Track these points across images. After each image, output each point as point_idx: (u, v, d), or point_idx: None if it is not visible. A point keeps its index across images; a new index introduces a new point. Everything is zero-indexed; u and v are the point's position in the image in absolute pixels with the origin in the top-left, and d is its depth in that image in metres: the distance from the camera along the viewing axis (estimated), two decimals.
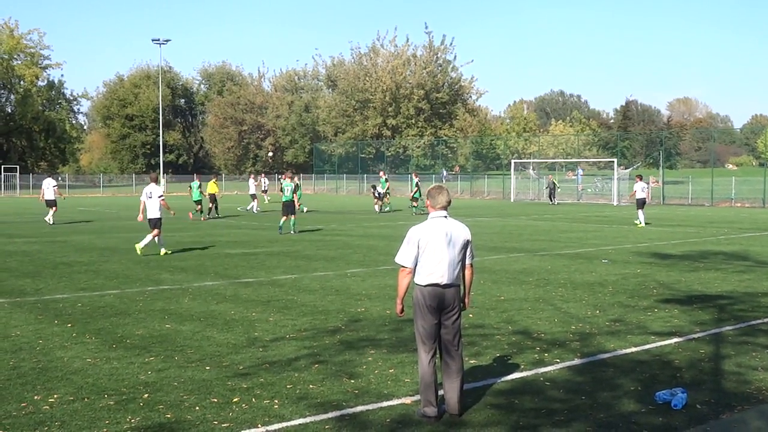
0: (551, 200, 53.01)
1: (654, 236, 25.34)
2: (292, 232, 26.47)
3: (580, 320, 10.99)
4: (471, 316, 11.26)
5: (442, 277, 6.82)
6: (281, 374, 8.08)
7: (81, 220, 34.51)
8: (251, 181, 44.72)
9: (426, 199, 7.14)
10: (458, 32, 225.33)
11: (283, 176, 29.34)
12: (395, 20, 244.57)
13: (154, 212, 19.97)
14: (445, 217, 6.96)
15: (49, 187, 32.27)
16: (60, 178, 34.00)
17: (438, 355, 6.99)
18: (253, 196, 42.80)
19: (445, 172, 70.44)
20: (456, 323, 6.93)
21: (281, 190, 27.54)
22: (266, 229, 28.61)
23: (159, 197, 20.17)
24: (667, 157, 64.76)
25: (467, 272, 7.05)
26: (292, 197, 26.90)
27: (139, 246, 19.54)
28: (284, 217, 26.77)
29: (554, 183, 54.88)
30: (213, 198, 37.28)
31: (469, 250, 7.00)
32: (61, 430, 6.39)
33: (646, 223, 30.64)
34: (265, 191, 51.78)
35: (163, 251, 19.80)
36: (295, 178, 29.96)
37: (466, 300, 7.17)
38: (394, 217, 36.82)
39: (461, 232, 6.94)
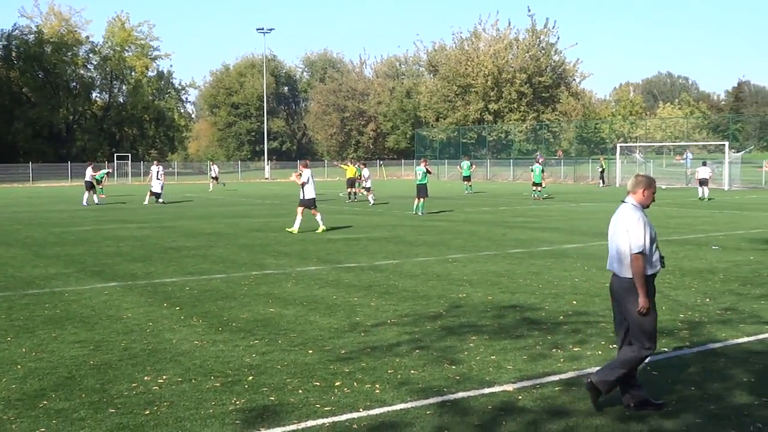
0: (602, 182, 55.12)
1: None
2: (420, 213, 28.09)
3: (689, 308, 10.64)
4: (575, 303, 11.07)
5: (609, 264, 6.71)
6: (382, 359, 8.10)
7: (188, 205, 35.50)
8: (153, 168, 39.57)
9: None
10: (561, 15, 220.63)
11: (422, 162, 30.58)
12: (497, 4, 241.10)
13: (311, 193, 21.90)
14: (623, 201, 6.74)
15: (154, 174, 38.10)
16: (163, 167, 39.66)
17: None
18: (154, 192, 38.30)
19: (539, 156, 69.33)
20: (627, 317, 6.51)
21: (416, 173, 29.17)
22: (368, 214, 28.80)
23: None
24: None
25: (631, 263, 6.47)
26: (425, 181, 28.71)
27: (321, 226, 21.85)
28: (416, 200, 28.60)
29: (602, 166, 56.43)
30: (352, 182, 37.95)
31: (628, 237, 6.45)
32: (170, 410, 6.57)
33: (709, 198, 36.86)
34: (215, 178, 52.92)
35: (321, 228, 21.78)
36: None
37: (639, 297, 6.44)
38: (497, 201, 36.52)
39: (620, 219, 6.59)
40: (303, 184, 21.77)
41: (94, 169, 38.31)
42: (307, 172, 22.02)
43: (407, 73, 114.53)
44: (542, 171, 38.95)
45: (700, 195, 37.82)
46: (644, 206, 6.66)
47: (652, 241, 6.47)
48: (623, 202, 6.72)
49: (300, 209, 21.94)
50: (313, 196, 21.95)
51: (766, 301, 11.09)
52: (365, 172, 37.55)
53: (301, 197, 21.99)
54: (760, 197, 39.65)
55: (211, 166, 56.64)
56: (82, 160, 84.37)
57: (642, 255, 6.36)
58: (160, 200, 37.24)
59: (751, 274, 13.56)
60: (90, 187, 36.93)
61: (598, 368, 6.77)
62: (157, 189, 37.73)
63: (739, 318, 9.98)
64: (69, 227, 24.25)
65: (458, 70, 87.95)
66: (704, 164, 40.66)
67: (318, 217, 21.93)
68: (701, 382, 7.28)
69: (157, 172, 38.21)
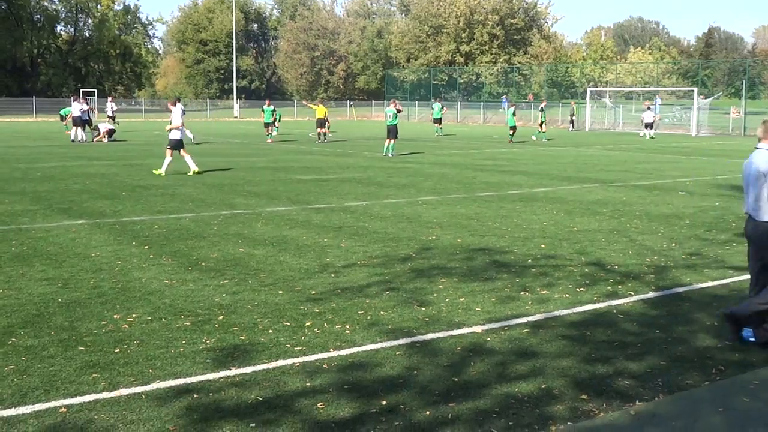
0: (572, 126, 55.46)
1: (734, 168, 24.62)
2: (390, 155, 28.00)
3: (656, 253, 10.79)
4: (543, 246, 11.16)
5: (746, 207, 6.95)
6: (353, 300, 8.15)
7: (155, 143, 35.12)
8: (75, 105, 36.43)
9: None
10: None
11: (391, 103, 30.15)
12: None
13: (177, 134, 21.12)
14: (757, 148, 6.89)
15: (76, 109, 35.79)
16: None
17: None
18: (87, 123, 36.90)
19: (505, 100, 69.03)
20: (765, 258, 6.87)
21: (386, 115, 29.29)
22: (338, 155, 28.70)
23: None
24: (750, 87, 62.48)
25: None
26: (396, 122, 28.59)
27: (192, 168, 20.87)
28: (387, 141, 28.47)
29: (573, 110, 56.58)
30: (322, 122, 37.18)
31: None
32: (140, 348, 6.58)
33: (651, 137, 43.46)
34: (112, 117, 44.01)
35: (192, 170, 20.91)
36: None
37: None
38: (467, 144, 36.52)
39: (757, 165, 6.77)
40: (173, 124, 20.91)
41: (88, 104, 37.43)
42: (176, 111, 21.02)
43: (379, 12, 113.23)
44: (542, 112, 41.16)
45: (647, 136, 43.97)
46: None
47: None
48: (756, 148, 6.90)
49: (169, 151, 20.97)
50: (180, 137, 21.11)
51: (731, 247, 11.26)
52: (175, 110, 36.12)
53: (169, 137, 21.14)
54: (726, 143, 40.03)
55: (109, 103, 44.73)
56: (46, 95, 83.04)
57: None
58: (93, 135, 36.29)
59: (716, 220, 13.75)
60: (78, 122, 35.57)
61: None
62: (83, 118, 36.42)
63: (704, 263, 10.14)
64: (34, 163, 23.92)
65: (430, 10, 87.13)
66: (649, 109, 46.90)
67: (187, 158, 21.06)
68: (666, 325, 7.41)
69: (80, 108, 36.31)
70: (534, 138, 40.89)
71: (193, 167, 20.88)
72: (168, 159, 20.85)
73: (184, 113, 20.97)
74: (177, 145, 20.99)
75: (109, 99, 47.20)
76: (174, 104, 21.40)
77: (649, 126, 45.19)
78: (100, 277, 9.09)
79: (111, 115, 43.97)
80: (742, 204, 7.17)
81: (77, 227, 12.50)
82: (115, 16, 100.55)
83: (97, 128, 37.10)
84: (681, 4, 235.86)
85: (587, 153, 31.66)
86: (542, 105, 42.57)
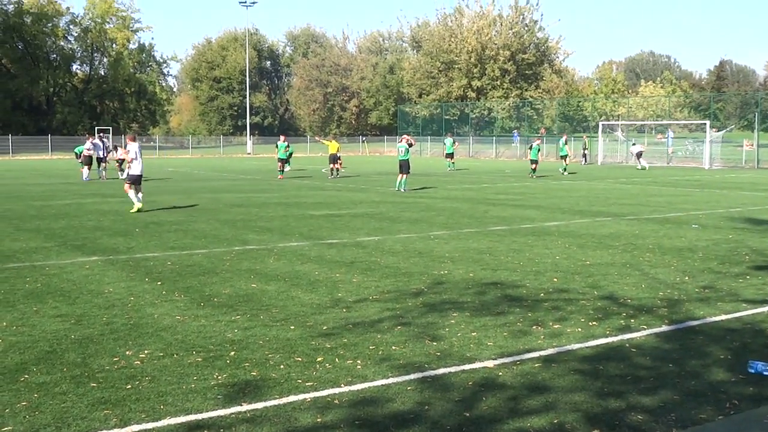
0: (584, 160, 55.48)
1: (747, 201, 24.54)
2: (402, 189, 27.90)
3: (669, 286, 10.74)
4: (555, 280, 11.14)
5: None
6: (364, 335, 8.14)
7: (169, 180, 35.34)
8: (90, 143, 36.69)
9: None
10: None
11: (402, 138, 30.15)
12: None
13: (137, 169, 20.88)
14: None
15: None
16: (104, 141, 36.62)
17: None
18: (99, 160, 36.62)
19: (516, 135, 69.44)
20: None
21: (398, 150, 29.23)
22: (351, 191, 28.79)
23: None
24: (763, 120, 62.40)
25: None
26: (408, 156, 28.43)
27: (136, 205, 20.59)
28: (399, 176, 28.36)
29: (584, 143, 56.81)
30: (335, 158, 37.24)
31: None
32: (152, 384, 6.59)
33: (642, 168, 45.74)
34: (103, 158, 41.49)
35: (136, 207, 20.55)
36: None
37: None
38: (479, 179, 36.58)
39: None
40: (131, 160, 20.73)
41: (103, 141, 37.78)
42: (133, 146, 20.81)
43: (390, 48, 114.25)
44: (565, 144, 42.66)
45: (643, 166, 46.22)
46: None
47: None
48: None
49: (128, 186, 20.77)
50: (139, 173, 20.79)
51: (744, 280, 11.20)
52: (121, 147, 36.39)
53: (128, 172, 21.05)
54: (739, 176, 39.93)
55: (108, 144, 39.63)
56: (62, 133, 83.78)
57: None
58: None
59: (729, 253, 13.68)
60: (87, 161, 35.69)
61: None
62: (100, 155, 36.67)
63: (717, 296, 10.08)
64: (49, 201, 24.11)
65: (441, 46, 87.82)
66: (634, 144, 51.36)
67: (138, 194, 20.72)
68: (679, 359, 7.37)
69: (94, 144, 36.69)
70: (567, 173, 40.68)
71: (137, 204, 20.59)
72: (132, 193, 20.65)
73: (140, 151, 20.99)
74: (135, 180, 20.73)
75: (100, 135, 45.92)
76: (132, 140, 21.39)
77: (639, 155, 47.57)
78: (112, 313, 9.12)
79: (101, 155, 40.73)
80: None
81: (91, 264, 12.56)
82: (130, 55, 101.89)
83: (116, 147, 37.50)
84: (692, 37, 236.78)
85: (599, 186, 31.63)
86: (563, 138, 42.93)
